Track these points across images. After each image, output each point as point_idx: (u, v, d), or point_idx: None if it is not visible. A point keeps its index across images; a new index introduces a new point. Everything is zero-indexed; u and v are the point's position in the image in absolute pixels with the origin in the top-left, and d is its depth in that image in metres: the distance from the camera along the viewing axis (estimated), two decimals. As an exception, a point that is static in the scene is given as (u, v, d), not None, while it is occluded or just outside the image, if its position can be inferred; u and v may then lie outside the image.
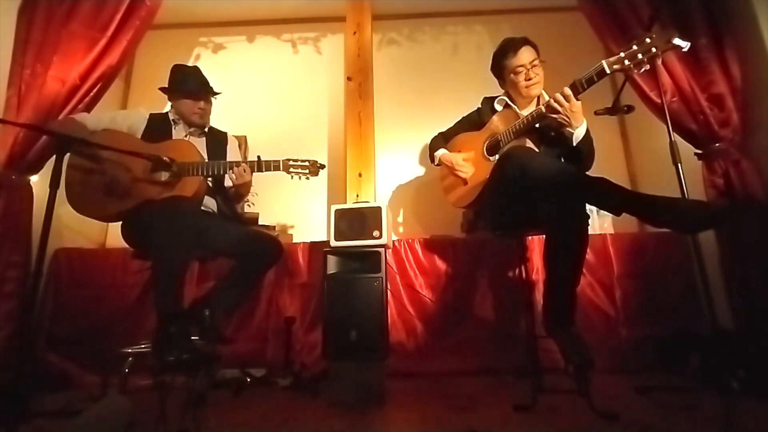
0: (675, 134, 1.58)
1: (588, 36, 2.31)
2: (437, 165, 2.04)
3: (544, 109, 1.57)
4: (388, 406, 1.54)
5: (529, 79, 1.75)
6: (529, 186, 1.41)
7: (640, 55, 1.35)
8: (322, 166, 1.84)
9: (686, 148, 1.87)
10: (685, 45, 1.34)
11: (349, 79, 2.56)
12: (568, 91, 1.50)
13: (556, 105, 1.53)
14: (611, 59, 1.41)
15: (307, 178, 1.81)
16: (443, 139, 2.05)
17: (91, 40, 2.10)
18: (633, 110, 1.91)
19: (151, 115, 1.88)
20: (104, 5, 2.15)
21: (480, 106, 1.99)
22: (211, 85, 1.93)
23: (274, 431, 1.32)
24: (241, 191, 1.86)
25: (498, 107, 1.90)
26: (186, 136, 1.89)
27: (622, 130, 2.80)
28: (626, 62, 1.36)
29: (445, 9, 3.02)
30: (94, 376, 1.91)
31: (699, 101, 1.88)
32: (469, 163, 1.87)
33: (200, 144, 1.91)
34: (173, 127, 1.89)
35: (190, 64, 3.00)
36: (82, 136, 1.60)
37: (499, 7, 3.00)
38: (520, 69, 1.75)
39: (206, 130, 1.96)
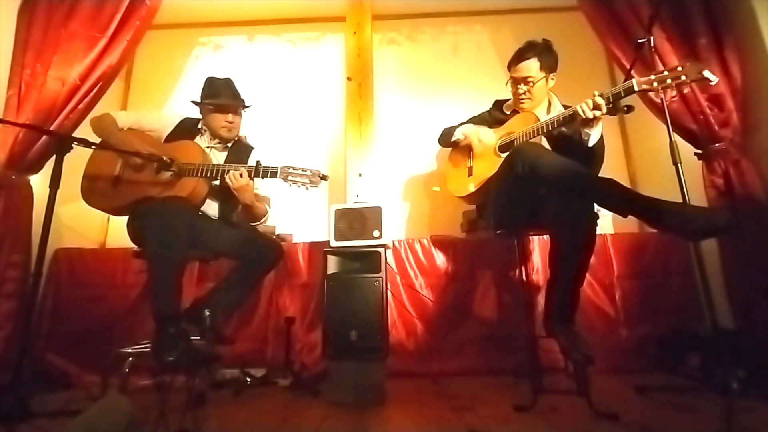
0: (675, 134, 1.58)
1: (588, 36, 2.31)
2: (452, 142, 1.96)
3: (580, 112, 1.50)
4: (388, 406, 1.54)
5: (518, 94, 1.79)
6: (537, 183, 1.40)
7: (669, 80, 1.39)
8: (325, 177, 1.69)
9: (686, 148, 1.86)
10: (715, 79, 1.39)
11: (349, 79, 2.55)
12: (600, 100, 1.48)
13: (594, 112, 1.48)
14: (642, 79, 1.43)
15: (307, 189, 1.69)
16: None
17: (91, 40, 2.10)
18: (633, 110, 1.90)
19: (184, 119, 1.88)
20: (104, 5, 2.15)
21: (491, 107, 2.00)
22: (242, 97, 1.89)
23: (274, 431, 1.32)
24: (243, 198, 1.72)
25: (507, 111, 1.91)
26: (208, 147, 1.86)
27: (622, 130, 2.79)
28: (655, 84, 1.40)
29: (445, 9, 3.01)
30: (94, 376, 1.90)
31: (699, 101, 1.88)
32: (486, 144, 1.82)
33: (221, 157, 1.89)
34: (199, 135, 1.88)
35: (190, 64, 3.04)
36: (99, 132, 1.72)
37: (499, 7, 2.99)
38: (514, 81, 1.80)
39: (229, 145, 1.92)
